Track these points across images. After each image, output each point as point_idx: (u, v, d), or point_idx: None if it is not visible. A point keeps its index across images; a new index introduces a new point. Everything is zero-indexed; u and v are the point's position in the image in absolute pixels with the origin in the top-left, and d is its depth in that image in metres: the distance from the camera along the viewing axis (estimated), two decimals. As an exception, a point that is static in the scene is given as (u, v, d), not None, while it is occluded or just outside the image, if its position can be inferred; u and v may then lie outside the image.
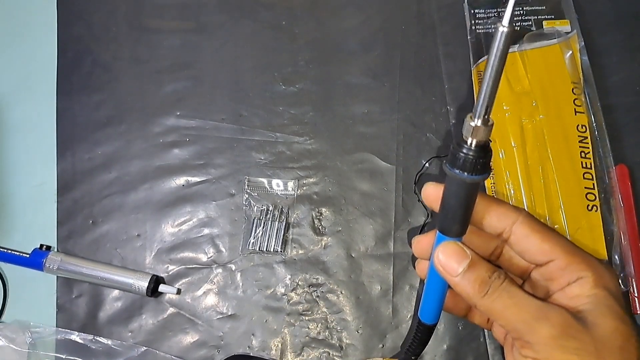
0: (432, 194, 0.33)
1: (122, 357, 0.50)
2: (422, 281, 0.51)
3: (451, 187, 0.31)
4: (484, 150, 0.29)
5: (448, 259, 0.31)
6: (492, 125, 0.28)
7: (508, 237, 0.33)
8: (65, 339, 0.51)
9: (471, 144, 0.29)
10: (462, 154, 0.29)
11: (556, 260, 0.32)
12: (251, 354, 0.52)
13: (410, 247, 0.38)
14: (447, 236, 0.32)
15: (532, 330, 0.29)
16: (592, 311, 0.30)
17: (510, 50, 0.57)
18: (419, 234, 0.54)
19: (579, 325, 0.29)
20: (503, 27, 0.26)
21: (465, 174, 0.29)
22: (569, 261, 0.32)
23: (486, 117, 0.28)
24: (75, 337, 0.51)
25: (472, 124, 0.28)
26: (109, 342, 0.51)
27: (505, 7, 0.27)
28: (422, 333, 0.38)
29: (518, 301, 0.30)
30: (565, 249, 0.32)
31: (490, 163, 0.30)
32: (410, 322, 0.52)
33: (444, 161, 0.30)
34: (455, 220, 0.32)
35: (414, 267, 0.41)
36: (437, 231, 0.33)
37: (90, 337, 0.51)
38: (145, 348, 0.51)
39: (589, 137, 0.54)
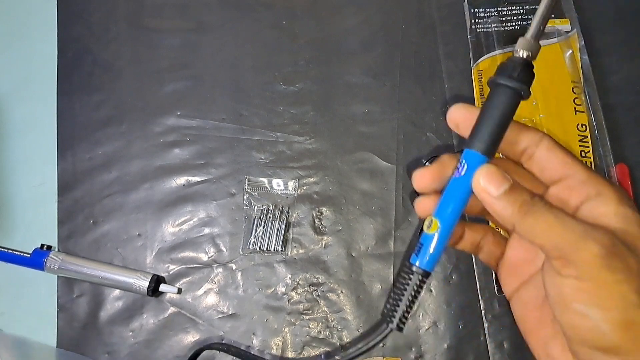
0: (460, 115, 0.33)
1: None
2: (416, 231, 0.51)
3: (497, 99, 0.31)
4: (532, 67, 0.32)
5: (489, 179, 0.30)
6: (540, 47, 0.32)
7: (532, 153, 0.33)
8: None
9: (523, 55, 0.31)
10: (513, 63, 0.31)
11: (577, 174, 0.32)
12: (226, 343, 0.52)
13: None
14: (479, 152, 0.32)
15: (577, 249, 0.28)
16: (628, 232, 0.30)
17: (511, 49, 0.57)
18: (419, 234, 0.54)
19: (623, 245, 0.29)
20: None
21: (514, 82, 0.31)
22: (589, 176, 0.32)
23: (538, 35, 0.32)
24: None
25: (528, 36, 0.31)
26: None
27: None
28: (417, 283, 0.33)
29: (563, 221, 0.29)
30: (584, 166, 0.32)
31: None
32: (411, 321, 0.52)
33: (490, 77, 0.32)
34: (492, 135, 0.31)
35: (412, 205, 0.37)
36: (465, 150, 0.32)
37: None
38: None
39: (589, 137, 0.54)
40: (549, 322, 0.33)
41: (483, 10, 0.59)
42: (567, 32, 0.58)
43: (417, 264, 0.33)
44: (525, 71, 0.31)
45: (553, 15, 0.59)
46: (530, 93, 0.32)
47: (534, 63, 0.33)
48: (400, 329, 0.33)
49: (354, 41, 0.60)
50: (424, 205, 0.34)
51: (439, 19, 0.60)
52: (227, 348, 0.51)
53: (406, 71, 0.59)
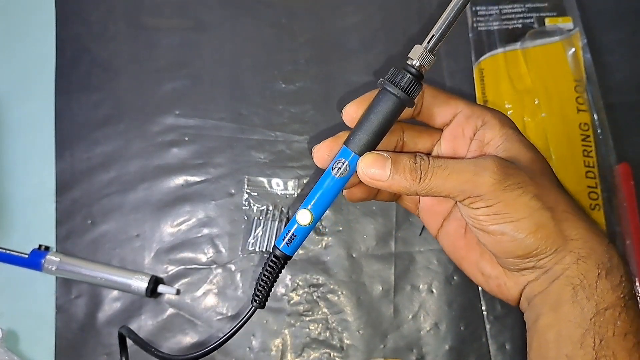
0: (354, 112, 0.35)
1: None
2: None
3: (380, 104, 0.33)
4: (421, 77, 0.32)
5: (372, 168, 0.33)
6: (435, 60, 0.32)
7: (420, 106, 0.35)
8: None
9: (414, 64, 0.32)
10: (403, 71, 0.32)
11: (462, 111, 0.35)
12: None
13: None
14: (356, 154, 0.33)
15: (477, 184, 0.31)
16: (511, 148, 0.33)
17: (512, 47, 0.57)
18: (420, 234, 0.54)
19: (511, 163, 0.32)
20: None
21: (399, 91, 0.32)
22: (472, 109, 0.35)
23: (436, 48, 0.32)
24: None
25: (423, 45, 0.32)
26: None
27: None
28: (280, 266, 0.36)
29: (453, 167, 0.32)
30: (467, 102, 0.35)
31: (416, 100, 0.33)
32: (412, 322, 0.52)
33: (380, 79, 0.33)
34: (370, 139, 0.33)
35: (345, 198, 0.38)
36: (344, 147, 0.34)
37: None
38: None
39: (591, 136, 0.54)
40: (474, 246, 0.37)
41: (484, 8, 0.59)
42: (570, 30, 0.57)
43: (288, 252, 0.35)
44: (411, 82, 0.32)
45: (555, 13, 0.58)
46: (414, 103, 0.33)
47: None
48: (261, 307, 0.37)
49: (354, 39, 0.60)
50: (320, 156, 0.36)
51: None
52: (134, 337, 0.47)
53: (407, 70, 0.59)
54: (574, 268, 0.31)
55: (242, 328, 0.52)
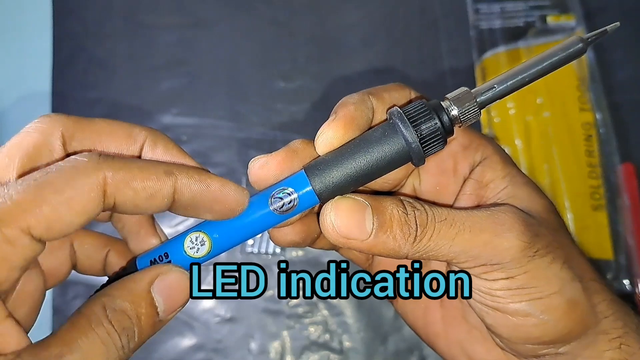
0: (334, 137, 0.25)
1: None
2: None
3: (382, 143, 0.23)
4: (450, 134, 0.24)
5: (349, 220, 0.23)
6: (479, 118, 0.24)
7: None
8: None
9: (449, 113, 0.24)
10: (432, 115, 0.23)
11: (458, 138, 0.27)
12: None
13: None
14: (315, 193, 0.24)
15: (497, 250, 0.23)
16: (519, 195, 0.26)
17: (515, 46, 0.56)
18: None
19: (531, 219, 0.24)
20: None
21: (417, 139, 0.23)
22: (471, 138, 0.27)
23: (489, 105, 0.24)
24: None
25: (474, 97, 0.24)
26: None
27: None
28: None
29: (463, 224, 0.23)
30: (463, 128, 0.26)
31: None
32: (412, 324, 0.51)
33: (395, 107, 0.24)
34: (346, 183, 0.24)
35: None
36: (302, 171, 0.24)
37: None
38: None
39: (594, 135, 0.53)
40: (459, 321, 0.28)
41: (486, 6, 0.58)
42: (572, 28, 0.57)
43: None
44: (436, 134, 0.23)
45: (557, 11, 0.57)
46: (424, 163, 0.24)
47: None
48: None
49: (354, 37, 0.59)
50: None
51: (441, 15, 0.59)
52: None
53: (408, 68, 0.58)
54: (617, 354, 0.25)
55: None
